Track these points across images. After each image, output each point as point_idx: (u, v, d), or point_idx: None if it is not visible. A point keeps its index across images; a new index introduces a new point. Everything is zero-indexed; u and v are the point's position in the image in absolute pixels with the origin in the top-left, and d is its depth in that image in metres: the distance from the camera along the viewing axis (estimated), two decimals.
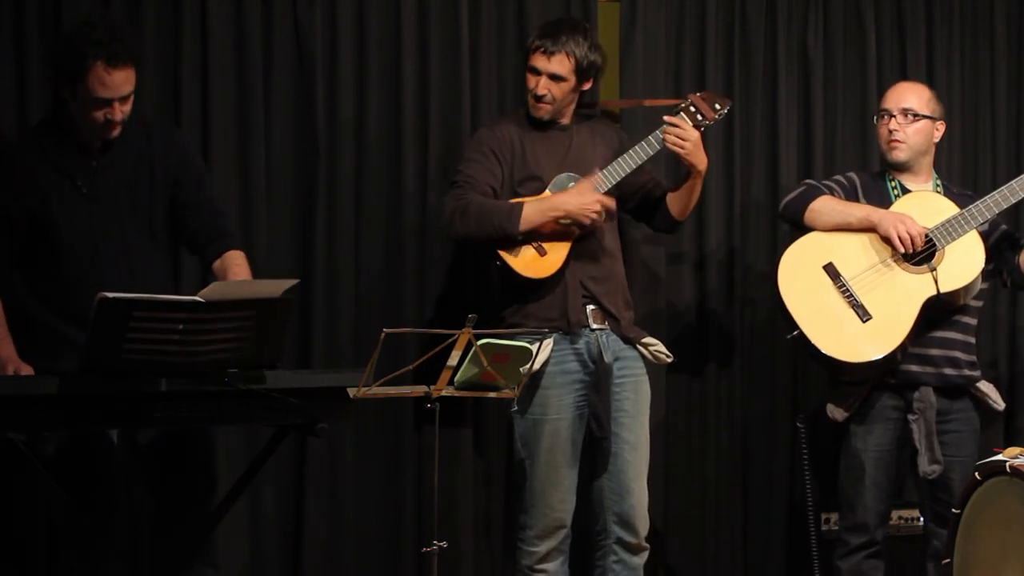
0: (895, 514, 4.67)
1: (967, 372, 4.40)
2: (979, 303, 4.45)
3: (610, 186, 4.20)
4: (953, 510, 3.97)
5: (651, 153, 4.24)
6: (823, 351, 4.27)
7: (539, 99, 4.26)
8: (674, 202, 4.39)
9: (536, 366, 4.10)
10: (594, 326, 4.24)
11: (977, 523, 3.91)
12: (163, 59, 4.38)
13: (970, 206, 4.31)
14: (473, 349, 3.55)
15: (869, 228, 4.33)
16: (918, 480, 4.39)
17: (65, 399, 3.33)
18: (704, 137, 4.95)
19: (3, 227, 3.72)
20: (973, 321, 4.45)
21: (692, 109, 4.26)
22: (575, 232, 4.18)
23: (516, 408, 4.22)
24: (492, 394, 3.72)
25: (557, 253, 4.18)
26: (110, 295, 3.22)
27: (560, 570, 4.28)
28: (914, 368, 4.33)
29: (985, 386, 4.44)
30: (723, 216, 5.03)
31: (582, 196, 4.15)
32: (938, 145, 4.54)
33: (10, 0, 4.23)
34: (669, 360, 4.37)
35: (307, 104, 4.53)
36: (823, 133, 5.13)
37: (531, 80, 4.28)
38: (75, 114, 3.69)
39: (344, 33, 4.57)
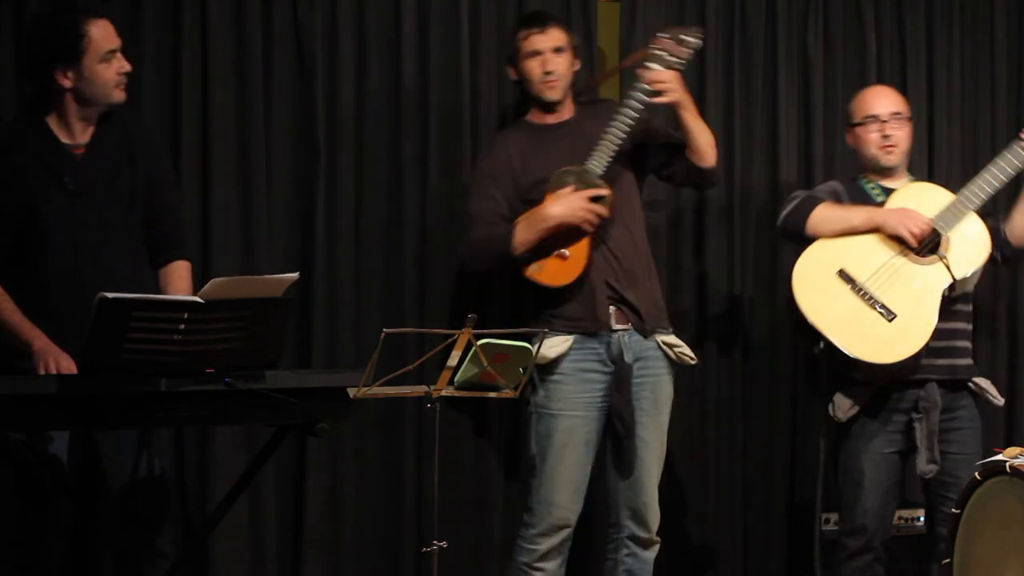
0: (895, 514, 4.63)
1: (969, 360, 4.40)
2: (971, 289, 4.44)
3: (606, 164, 4.16)
4: (953, 510, 3.96)
5: (634, 115, 4.16)
6: (860, 358, 4.23)
7: (548, 75, 4.26)
8: (690, 150, 4.30)
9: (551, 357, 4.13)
10: (616, 327, 4.22)
11: (977, 523, 3.91)
12: (163, 59, 4.38)
13: (964, 189, 4.31)
14: (473, 349, 3.55)
15: (873, 229, 4.33)
16: (925, 482, 4.38)
17: (65, 399, 3.33)
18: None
19: None
20: (970, 307, 4.45)
21: (660, 53, 4.20)
22: (589, 230, 4.16)
23: (532, 408, 4.23)
24: (492, 394, 3.72)
25: (578, 252, 4.18)
26: (110, 295, 3.22)
27: (558, 572, 4.27)
28: (922, 361, 4.31)
29: (983, 382, 4.43)
30: (723, 216, 5.03)
31: (568, 200, 4.13)
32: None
33: (10, 3, 4.24)
34: (693, 363, 4.36)
35: (307, 104, 4.54)
36: (823, 133, 5.13)
37: (534, 66, 4.28)
38: (83, 90, 3.69)
39: (344, 33, 4.57)
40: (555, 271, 4.19)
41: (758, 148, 5.08)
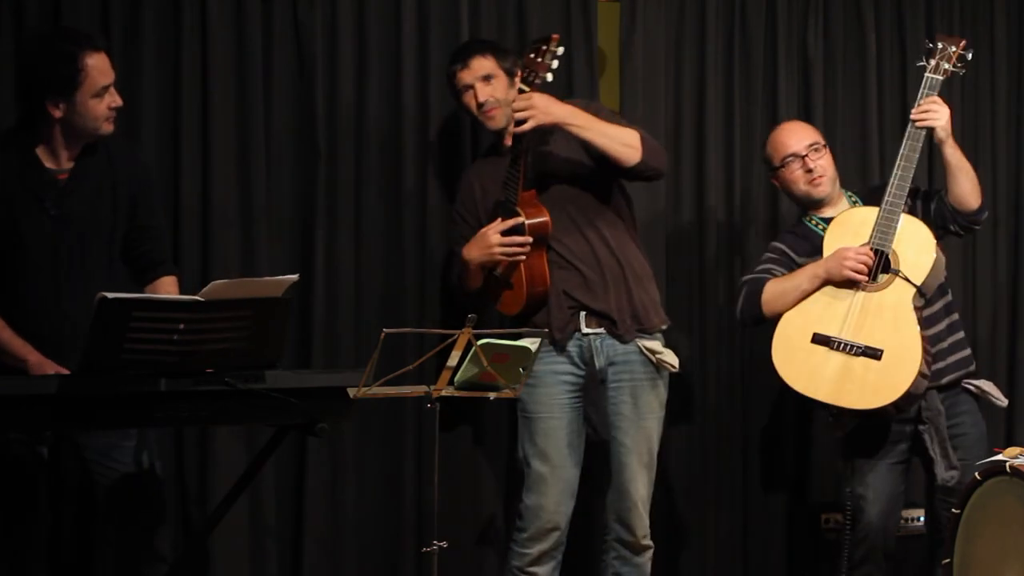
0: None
1: (963, 353, 4.38)
2: (942, 280, 4.39)
3: (513, 199, 4.11)
4: (953, 510, 3.96)
5: (518, 156, 4.08)
6: (874, 408, 4.19)
7: (483, 107, 4.22)
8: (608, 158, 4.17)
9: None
10: (586, 330, 4.21)
11: (977, 523, 3.90)
12: (163, 59, 4.38)
13: (885, 197, 4.25)
14: (473, 349, 3.55)
15: (823, 284, 4.30)
16: (932, 488, 4.36)
17: (65, 399, 3.33)
18: (704, 136, 4.98)
19: None
20: (948, 298, 4.42)
21: (525, 74, 4.06)
22: (516, 260, 4.15)
23: (518, 411, 4.23)
24: (492, 394, 3.71)
25: (517, 280, 4.17)
26: (110, 295, 3.22)
27: None
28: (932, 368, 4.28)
29: (986, 384, 4.42)
30: (723, 217, 5.03)
31: (480, 241, 4.14)
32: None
33: (9, 2, 4.24)
34: (674, 370, 4.29)
35: (307, 104, 4.54)
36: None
37: (469, 100, 4.25)
38: (73, 122, 3.67)
39: (344, 33, 4.57)
40: (509, 301, 4.21)
41: (758, 148, 5.08)
